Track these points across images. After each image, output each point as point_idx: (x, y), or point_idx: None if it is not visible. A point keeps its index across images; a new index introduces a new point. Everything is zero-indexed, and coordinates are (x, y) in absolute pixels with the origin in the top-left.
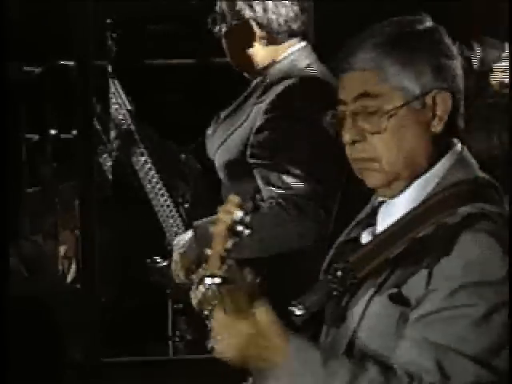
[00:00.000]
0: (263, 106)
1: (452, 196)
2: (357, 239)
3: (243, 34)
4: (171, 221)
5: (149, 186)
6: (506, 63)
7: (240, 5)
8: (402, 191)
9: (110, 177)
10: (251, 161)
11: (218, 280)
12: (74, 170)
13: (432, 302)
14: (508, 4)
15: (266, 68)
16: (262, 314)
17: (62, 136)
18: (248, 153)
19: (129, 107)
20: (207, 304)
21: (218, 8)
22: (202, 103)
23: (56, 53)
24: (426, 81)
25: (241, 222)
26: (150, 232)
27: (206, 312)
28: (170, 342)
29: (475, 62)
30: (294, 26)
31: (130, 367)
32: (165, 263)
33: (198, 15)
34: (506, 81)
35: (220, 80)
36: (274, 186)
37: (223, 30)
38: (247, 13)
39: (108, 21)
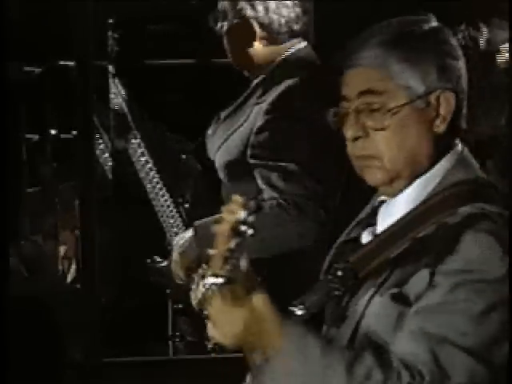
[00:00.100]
0: (264, 106)
1: (452, 196)
2: (357, 239)
3: (244, 33)
4: (171, 221)
5: (149, 186)
6: None
7: (242, 4)
8: (402, 190)
9: (110, 177)
10: (252, 161)
11: (220, 280)
12: (73, 170)
13: (431, 297)
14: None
15: (267, 68)
16: (259, 301)
17: (62, 136)
18: (248, 153)
19: (129, 107)
20: (207, 304)
21: (219, 6)
22: (202, 103)
23: (56, 53)
24: (431, 80)
25: (244, 221)
26: (150, 232)
27: (206, 312)
28: (170, 342)
29: (482, 43)
30: (295, 27)
31: (130, 367)
32: (165, 263)
33: (198, 15)
34: None
35: (220, 80)
36: (274, 187)
37: (224, 28)
38: (249, 12)
39: (109, 21)
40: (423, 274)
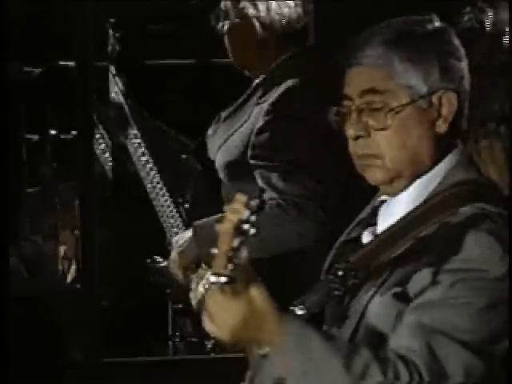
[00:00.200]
0: (264, 106)
1: (453, 196)
2: (358, 239)
3: (245, 33)
4: (171, 221)
5: (149, 186)
6: None
7: (244, 3)
8: (403, 190)
9: (110, 177)
10: (252, 161)
11: (223, 279)
12: (73, 170)
13: (430, 294)
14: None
15: (267, 68)
16: (257, 295)
17: (62, 136)
18: (249, 153)
19: (129, 107)
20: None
21: (221, 5)
22: (202, 103)
23: (56, 53)
24: (434, 80)
25: (247, 221)
26: (150, 232)
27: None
28: (170, 342)
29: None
30: (297, 28)
31: (130, 367)
32: (165, 263)
33: (198, 15)
34: None
35: (220, 80)
36: (274, 187)
37: (226, 27)
38: (250, 11)
39: (110, 20)
40: (424, 273)
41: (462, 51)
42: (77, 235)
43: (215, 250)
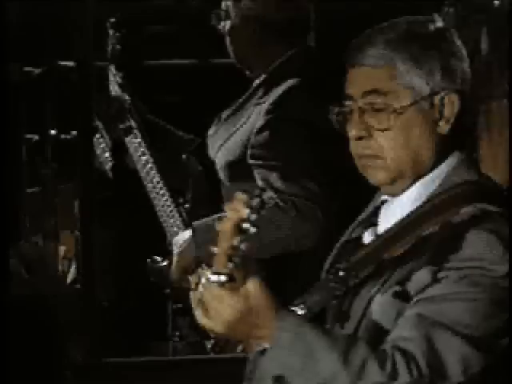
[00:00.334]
0: (264, 106)
1: (454, 197)
2: (359, 239)
3: (246, 32)
4: (171, 221)
5: (150, 186)
6: None
7: (244, 3)
8: (404, 190)
9: (110, 177)
10: (251, 161)
11: (223, 278)
12: (73, 170)
13: (431, 290)
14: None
15: (268, 67)
16: (254, 291)
17: (62, 136)
18: (248, 153)
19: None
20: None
21: (222, 5)
22: (202, 103)
23: (56, 53)
24: (436, 81)
25: (247, 219)
26: (150, 232)
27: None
28: (170, 342)
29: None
30: (297, 27)
31: (129, 367)
32: (165, 263)
33: (198, 15)
34: None
35: (220, 80)
36: (272, 187)
37: (227, 27)
38: (251, 11)
39: (111, 20)
40: (425, 271)
41: (464, 51)
42: (77, 235)
43: (215, 249)
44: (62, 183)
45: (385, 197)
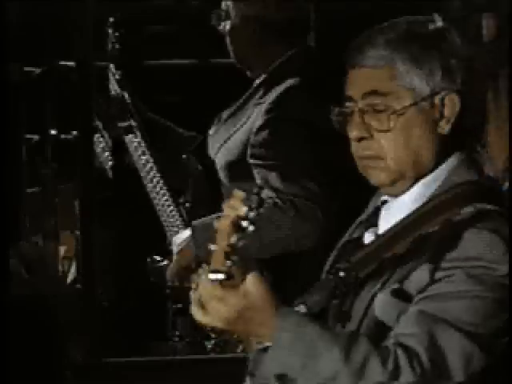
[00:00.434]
0: (264, 106)
1: (455, 197)
2: (359, 239)
3: (246, 32)
4: (171, 220)
5: (150, 186)
6: None
7: (244, 3)
8: (405, 191)
9: (110, 177)
10: (251, 161)
11: (221, 276)
12: (73, 170)
13: (435, 287)
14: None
15: (268, 67)
16: (253, 286)
17: (62, 136)
18: (248, 152)
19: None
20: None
21: (222, 5)
22: (202, 103)
23: (56, 53)
24: (436, 81)
25: (246, 217)
26: (150, 232)
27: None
28: (170, 342)
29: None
30: (297, 27)
31: (129, 367)
32: (165, 263)
33: (198, 15)
34: None
35: (220, 80)
36: (271, 186)
37: (227, 27)
38: (251, 11)
39: (111, 20)
40: (426, 270)
41: (465, 51)
42: (77, 235)
43: (213, 247)
44: (62, 183)
45: (385, 197)
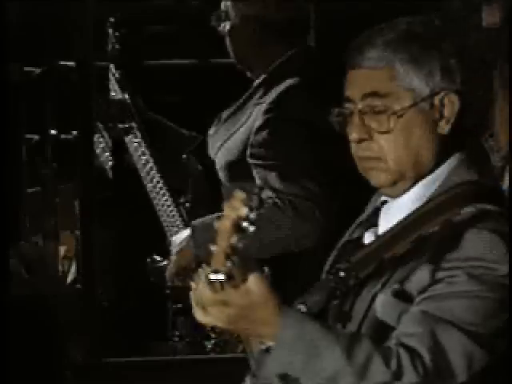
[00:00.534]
0: (264, 106)
1: (455, 197)
2: (359, 239)
3: (246, 32)
4: (171, 220)
5: (150, 186)
6: None
7: (244, 3)
8: (405, 191)
9: (110, 177)
10: (250, 161)
11: (222, 276)
12: (73, 170)
13: (437, 287)
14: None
15: (268, 67)
16: (255, 284)
17: (62, 136)
18: (248, 152)
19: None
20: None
21: (222, 6)
22: (202, 103)
23: (56, 53)
24: (435, 82)
25: (246, 218)
26: (150, 232)
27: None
28: (170, 342)
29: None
30: (297, 27)
31: (129, 367)
32: (165, 263)
33: (198, 15)
34: None
35: (220, 80)
36: (271, 186)
37: (227, 28)
38: (251, 11)
39: (111, 20)
40: (426, 271)
41: (465, 51)
42: (77, 235)
43: (214, 247)
44: (62, 183)
45: (385, 197)
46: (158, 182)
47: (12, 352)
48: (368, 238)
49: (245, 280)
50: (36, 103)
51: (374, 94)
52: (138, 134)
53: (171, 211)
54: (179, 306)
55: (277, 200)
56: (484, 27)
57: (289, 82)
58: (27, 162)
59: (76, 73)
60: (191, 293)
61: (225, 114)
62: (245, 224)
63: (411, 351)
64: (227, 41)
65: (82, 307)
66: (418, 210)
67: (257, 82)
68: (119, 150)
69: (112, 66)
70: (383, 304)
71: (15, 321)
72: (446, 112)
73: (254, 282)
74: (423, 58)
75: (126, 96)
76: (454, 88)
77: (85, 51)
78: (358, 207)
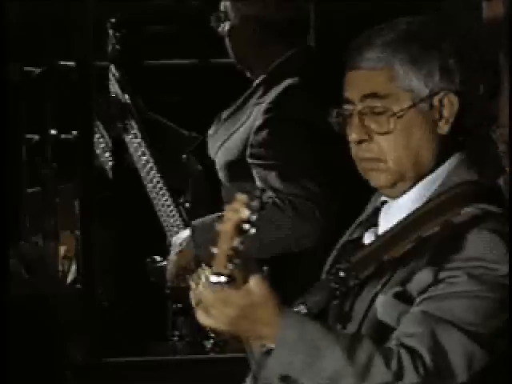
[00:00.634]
0: (263, 106)
1: (455, 197)
2: (359, 240)
3: (246, 33)
4: (171, 221)
5: (150, 186)
6: None
7: (243, 3)
8: (405, 191)
9: (110, 177)
10: (250, 161)
11: (223, 278)
12: (73, 170)
13: (437, 288)
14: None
15: (268, 67)
16: (256, 286)
17: (62, 136)
18: (247, 152)
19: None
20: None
21: (221, 6)
22: (202, 103)
23: (56, 53)
24: (435, 82)
25: (248, 220)
26: (150, 232)
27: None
28: (170, 342)
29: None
30: (297, 27)
31: (129, 367)
32: (165, 263)
33: (198, 15)
34: None
35: (220, 80)
36: (271, 186)
37: (226, 28)
38: (251, 11)
39: (111, 20)
40: (427, 272)
41: (464, 51)
42: (77, 235)
43: (215, 250)
44: (62, 183)
45: (385, 197)
46: (158, 182)
47: (12, 352)
48: (368, 238)
49: (246, 281)
50: (36, 103)
51: (374, 95)
52: (138, 134)
53: (171, 211)
54: (179, 305)
55: (277, 200)
56: (484, 23)
57: (289, 81)
58: (27, 161)
59: (76, 73)
60: (191, 293)
61: (225, 114)
62: (246, 226)
63: (412, 351)
64: (227, 41)
65: (82, 307)
66: (418, 210)
67: (256, 81)
68: (119, 149)
69: (112, 66)
70: (383, 304)
71: (15, 321)
72: (446, 112)
73: (255, 283)
74: (423, 58)
75: (126, 96)
76: (453, 88)
77: (85, 51)
78: (358, 207)
